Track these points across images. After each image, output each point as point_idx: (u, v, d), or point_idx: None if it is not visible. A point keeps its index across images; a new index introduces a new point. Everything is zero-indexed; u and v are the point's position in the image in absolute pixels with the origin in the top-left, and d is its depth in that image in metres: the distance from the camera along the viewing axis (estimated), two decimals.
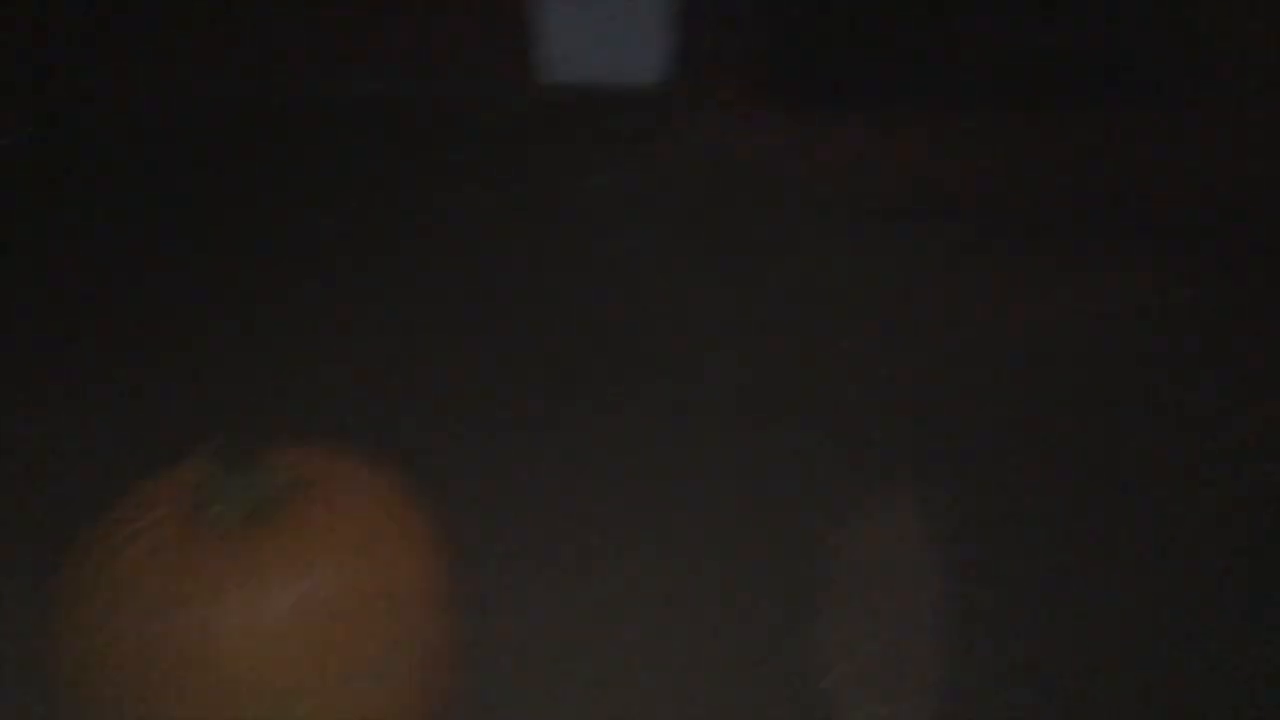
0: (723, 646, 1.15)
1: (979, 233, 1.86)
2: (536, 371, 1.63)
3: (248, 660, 0.49)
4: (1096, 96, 2.07)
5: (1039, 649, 1.15)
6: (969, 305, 1.75)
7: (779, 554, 1.27)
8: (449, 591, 0.62)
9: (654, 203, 1.96)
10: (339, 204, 1.94)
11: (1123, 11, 2.17)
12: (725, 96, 2.11)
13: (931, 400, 1.70)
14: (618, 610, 1.10)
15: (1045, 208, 1.89)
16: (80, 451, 1.10)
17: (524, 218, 1.95)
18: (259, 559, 0.51)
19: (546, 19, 2.14)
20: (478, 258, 1.88)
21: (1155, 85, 2.06)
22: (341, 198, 1.95)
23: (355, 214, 1.93)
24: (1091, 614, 1.20)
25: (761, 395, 1.70)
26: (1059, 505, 1.41)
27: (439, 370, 1.63)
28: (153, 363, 1.28)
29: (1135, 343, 1.71)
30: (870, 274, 1.80)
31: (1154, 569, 1.35)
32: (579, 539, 1.20)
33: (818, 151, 2.02)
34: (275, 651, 0.50)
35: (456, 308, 1.73)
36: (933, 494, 1.43)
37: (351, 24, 2.24)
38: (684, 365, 1.74)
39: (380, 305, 1.75)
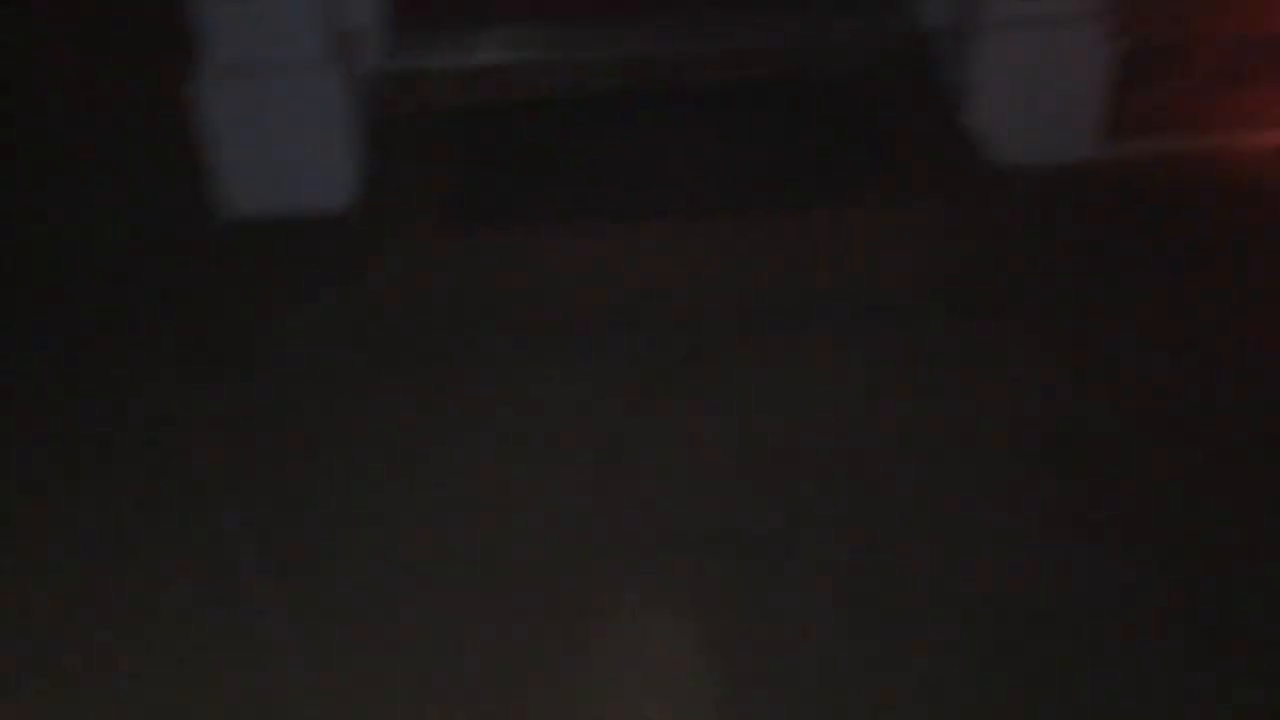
0: None
1: (679, 339, 1.88)
2: (244, 545, 1.53)
3: None
4: (775, 200, 2.12)
5: None
6: (680, 409, 1.76)
7: None
8: None
9: (353, 331, 1.90)
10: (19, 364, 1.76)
11: (792, 122, 2.24)
12: (417, 223, 2.08)
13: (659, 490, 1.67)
14: None
15: (745, 305, 1.92)
16: None
17: (222, 354, 1.87)
18: None
19: (233, 153, 2.07)
20: (173, 403, 1.78)
21: (837, 188, 2.13)
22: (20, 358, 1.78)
23: (40, 370, 1.78)
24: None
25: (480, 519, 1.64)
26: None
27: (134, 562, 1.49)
28: None
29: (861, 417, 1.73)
30: (585, 386, 1.79)
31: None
32: None
33: (512, 273, 2.00)
34: None
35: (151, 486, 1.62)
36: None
37: (31, 168, 2.08)
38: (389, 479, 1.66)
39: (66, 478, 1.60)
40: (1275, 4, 2.19)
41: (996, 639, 1.41)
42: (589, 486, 1.63)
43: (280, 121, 2.08)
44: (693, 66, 2.33)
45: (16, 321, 1.90)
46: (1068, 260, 2.03)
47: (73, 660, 1.37)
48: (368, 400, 1.77)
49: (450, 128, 2.26)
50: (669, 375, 1.80)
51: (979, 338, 1.86)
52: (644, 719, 1.34)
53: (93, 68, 2.19)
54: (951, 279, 1.97)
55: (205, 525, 1.55)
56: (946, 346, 1.85)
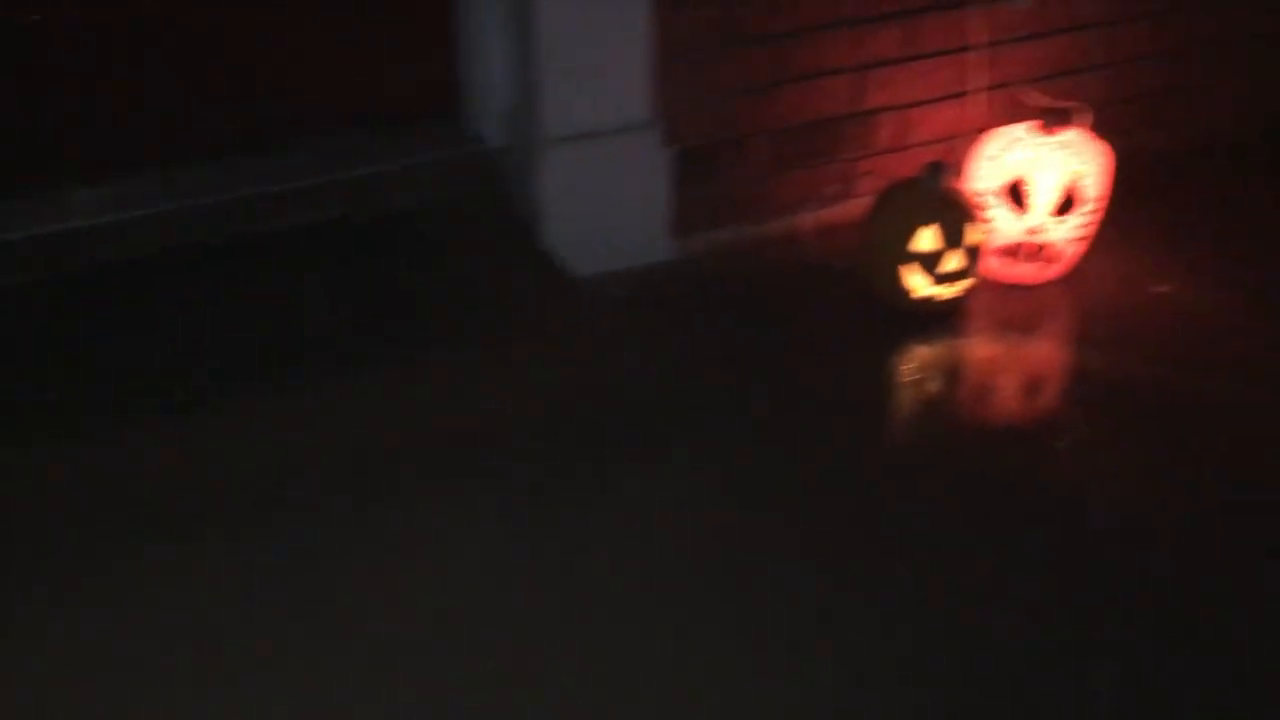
0: None
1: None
2: None
3: None
4: (360, 358, 1.96)
5: None
6: (287, 609, 1.57)
7: None
8: None
9: None
10: None
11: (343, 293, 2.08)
12: None
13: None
14: None
15: (342, 485, 1.75)
16: None
17: None
18: None
19: None
20: None
21: (424, 335, 2.00)
22: None
23: None
24: None
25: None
26: None
27: None
28: None
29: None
30: (178, 599, 1.56)
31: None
32: None
33: (59, 487, 1.73)
34: None
35: None
36: None
37: None
38: None
39: None
40: (812, 96, 2.29)
41: None
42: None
43: None
44: (259, 212, 2.14)
45: None
46: (667, 369, 2.00)
47: None
48: None
49: None
50: (270, 574, 1.60)
51: (600, 471, 1.78)
52: None
53: None
54: (557, 412, 1.88)
55: None
56: (567, 487, 1.75)
